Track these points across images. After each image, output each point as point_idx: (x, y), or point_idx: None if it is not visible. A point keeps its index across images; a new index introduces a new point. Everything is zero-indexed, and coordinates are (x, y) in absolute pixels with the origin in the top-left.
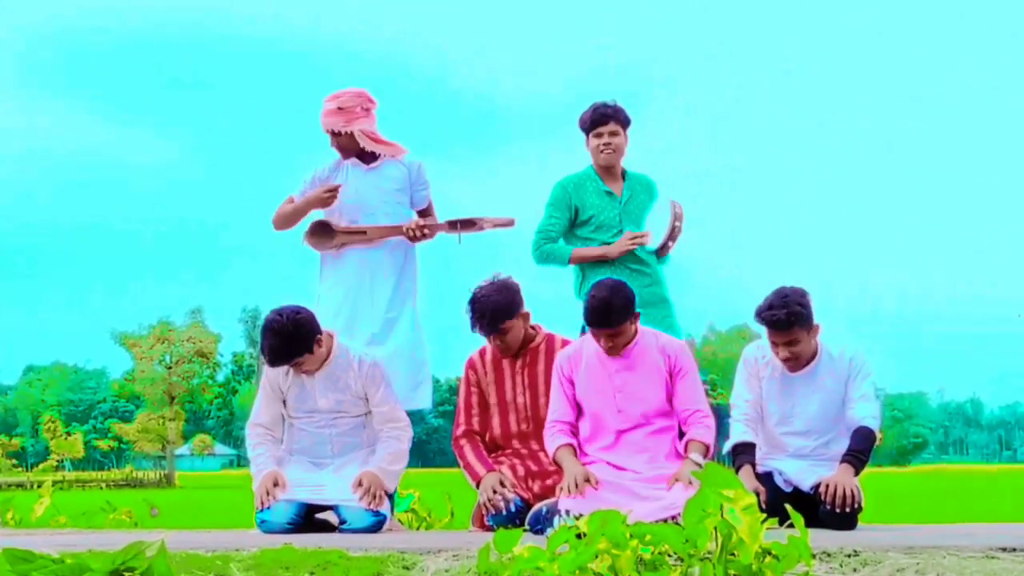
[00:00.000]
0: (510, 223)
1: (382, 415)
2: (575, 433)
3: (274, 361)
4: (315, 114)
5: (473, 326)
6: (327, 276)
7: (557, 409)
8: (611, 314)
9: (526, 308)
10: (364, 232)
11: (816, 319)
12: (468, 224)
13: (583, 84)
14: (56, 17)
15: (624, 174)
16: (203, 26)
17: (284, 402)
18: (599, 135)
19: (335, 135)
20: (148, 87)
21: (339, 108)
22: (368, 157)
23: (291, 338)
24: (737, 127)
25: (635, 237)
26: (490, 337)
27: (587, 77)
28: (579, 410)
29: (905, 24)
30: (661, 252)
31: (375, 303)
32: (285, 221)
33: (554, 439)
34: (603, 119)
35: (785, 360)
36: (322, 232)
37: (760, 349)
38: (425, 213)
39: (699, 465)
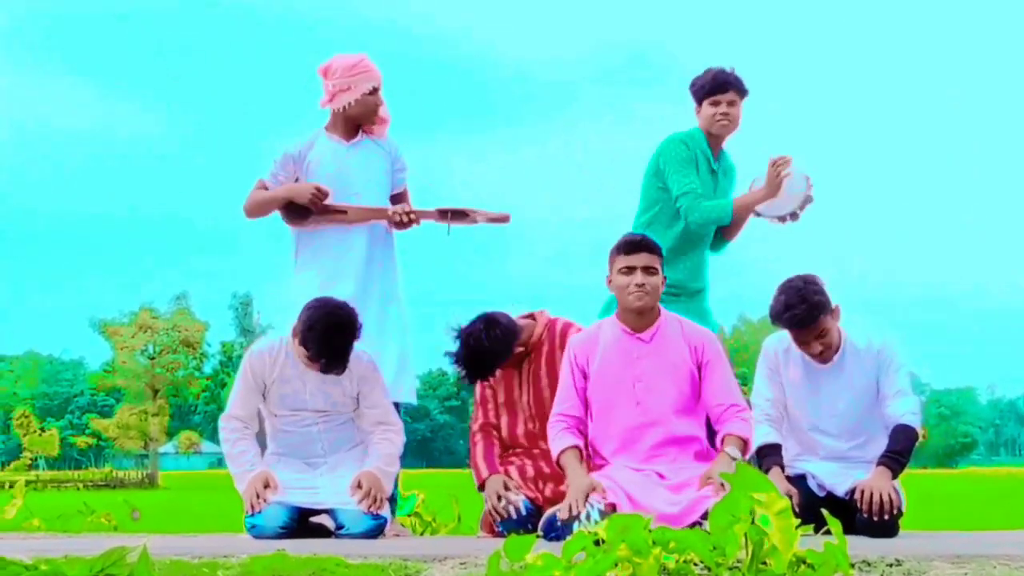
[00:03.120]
0: (505, 219)
1: (374, 416)
2: (582, 430)
3: (339, 365)
4: (308, 86)
5: (463, 377)
6: (303, 263)
7: (564, 401)
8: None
9: (530, 323)
10: (344, 212)
11: (841, 304)
12: (460, 215)
13: (595, 58)
14: None
15: (720, 152)
16: None
17: (263, 395)
18: (716, 103)
19: (371, 92)
20: (132, 59)
21: (371, 63)
22: (352, 133)
23: (353, 335)
24: (768, 105)
25: (782, 163)
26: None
27: (599, 49)
28: (588, 406)
29: (916, 11)
30: (790, 219)
31: (355, 288)
32: (258, 209)
33: (560, 438)
34: (723, 87)
35: (819, 353)
36: (298, 208)
37: (781, 342)
38: (401, 198)
39: (735, 457)
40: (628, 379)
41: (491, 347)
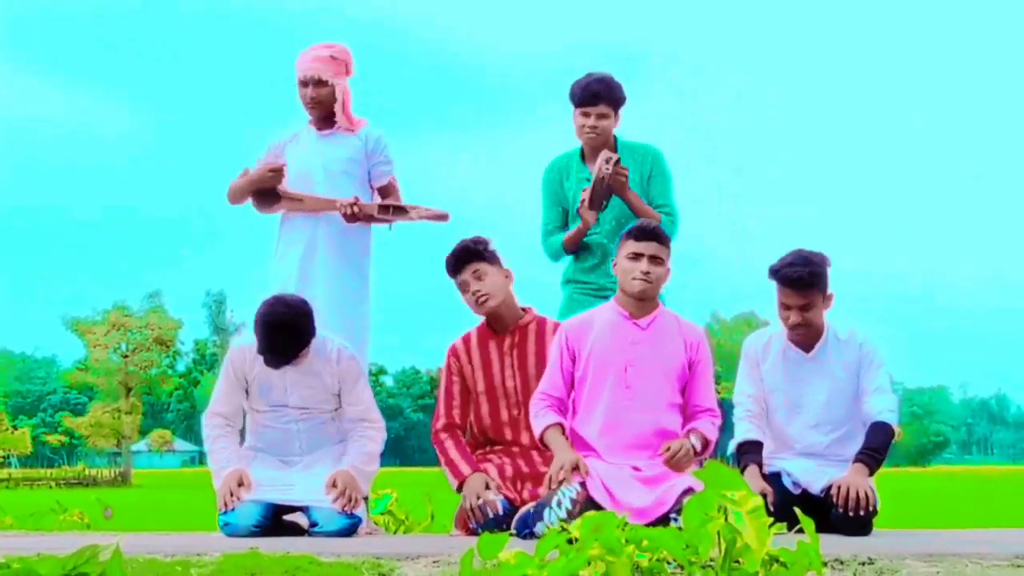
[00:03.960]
0: (444, 217)
1: (356, 413)
2: (564, 412)
3: (282, 360)
4: (289, 83)
5: (448, 267)
6: (277, 252)
7: (549, 381)
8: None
9: (511, 271)
10: (301, 200)
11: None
12: (399, 211)
13: (583, 50)
14: None
15: (616, 147)
16: None
17: (246, 392)
18: (586, 115)
19: (317, 84)
20: (105, 55)
21: (332, 57)
22: (324, 124)
23: (302, 331)
24: (743, 107)
25: (608, 159)
26: (464, 286)
27: (588, 44)
28: (573, 390)
29: (904, 9)
30: (590, 206)
31: (312, 272)
32: (233, 197)
33: (543, 416)
34: (592, 99)
35: (795, 327)
36: (265, 193)
37: (760, 338)
38: (385, 191)
39: (695, 448)
40: (621, 362)
41: (469, 241)
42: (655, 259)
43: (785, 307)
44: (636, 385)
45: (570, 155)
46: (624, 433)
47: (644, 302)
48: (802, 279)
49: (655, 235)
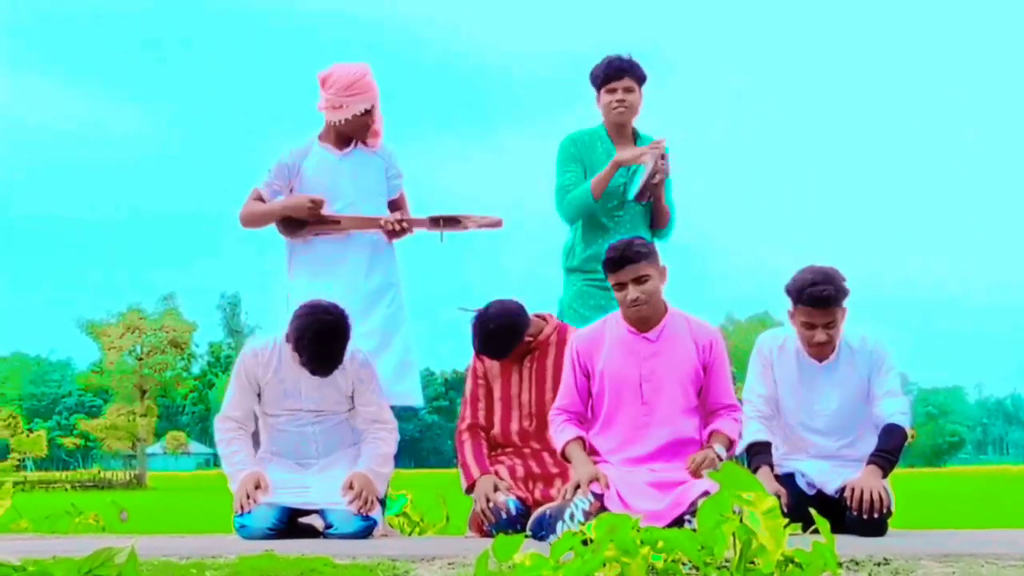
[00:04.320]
0: (498, 223)
1: (368, 415)
2: (583, 423)
3: (329, 368)
4: (302, 85)
5: (480, 349)
6: (297, 270)
7: (565, 397)
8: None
9: (530, 314)
10: (338, 222)
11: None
12: (452, 222)
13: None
14: None
15: (636, 136)
16: None
17: (259, 395)
18: (612, 91)
19: (364, 113)
20: (119, 58)
21: (370, 81)
22: (342, 142)
23: (344, 338)
24: (757, 107)
25: (655, 145)
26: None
27: (595, 49)
28: (589, 403)
29: (906, 13)
30: (639, 198)
31: (352, 294)
32: (253, 221)
33: (563, 431)
34: (617, 73)
35: (820, 344)
36: (294, 220)
37: (775, 338)
38: (397, 204)
39: (719, 457)
40: (634, 378)
41: (504, 321)
42: (640, 279)
43: (810, 326)
44: (652, 399)
45: (592, 131)
46: (643, 446)
47: (648, 318)
48: (831, 298)
49: (628, 259)
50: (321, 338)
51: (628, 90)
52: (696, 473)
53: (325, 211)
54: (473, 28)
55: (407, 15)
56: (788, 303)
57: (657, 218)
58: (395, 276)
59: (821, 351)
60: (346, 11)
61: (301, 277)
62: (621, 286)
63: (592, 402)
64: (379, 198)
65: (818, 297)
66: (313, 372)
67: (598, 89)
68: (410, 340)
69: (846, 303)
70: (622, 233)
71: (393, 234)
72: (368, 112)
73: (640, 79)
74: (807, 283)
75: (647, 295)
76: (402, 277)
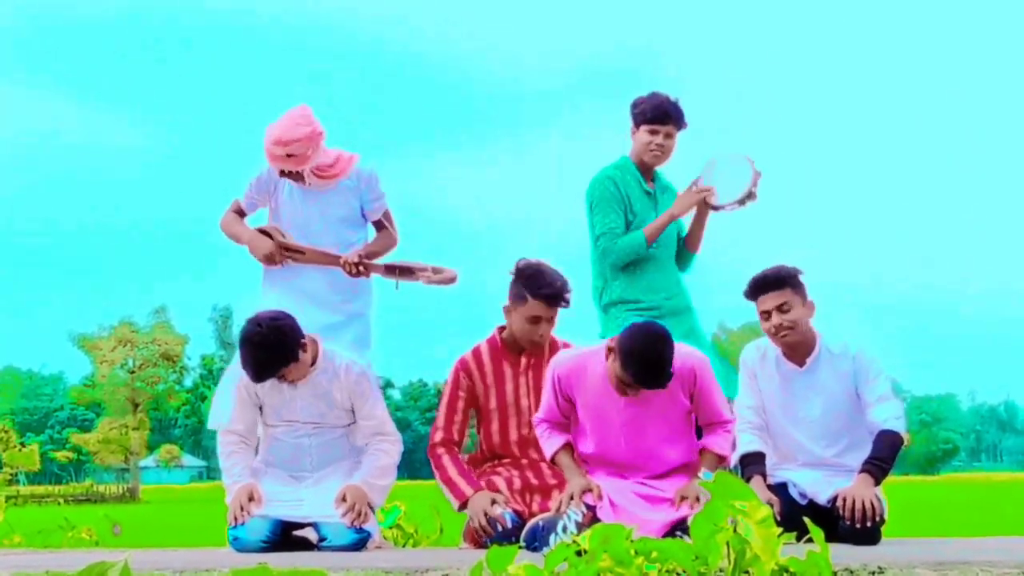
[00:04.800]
0: (452, 279)
1: (369, 428)
2: (567, 431)
3: (260, 376)
4: (297, 98)
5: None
6: (267, 289)
7: (548, 411)
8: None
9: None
10: (303, 252)
11: (822, 310)
12: (406, 272)
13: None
14: None
15: (654, 174)
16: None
17: (260, 408)
18: (654, 132)
19: (282, 174)
20: (111, 70)
21: (288, 155)
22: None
23: (275, 348)
24: (750, 115)
25: (702, 189)
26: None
27: (586, 60)
28: (574, 417)
29: (904, 14)
30: (749, 200)
31: (316, 318)
32: (228, 236)
33: (550, 439)
34: (664, 118)
35: (779, 330)
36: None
37: (757, 349)
38: (380, 224)
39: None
40: (616, 423)
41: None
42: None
43: (765, 314)
44: (635, 442)
45: (621, 165)
46: (630, 474)
47: None
48: (767, 278)
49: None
50: (248, 347)
51: (668, 136)
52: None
53: (291, 240)
54: (470, 43)
55: (402, 26)
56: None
57: (694, 243)
58: (363, 305)
59: (791, 342)
60: (345, 24)
61: (270, 295)
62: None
63: (576, 418)
64: (350, 227)
65: (761, 280)
66: (252, 379)
67: (638, 124)
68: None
69: (807, 297)
70: (659, 259)
71: (351, 274)
72: (283, 173)
73: (681, 127)
74: (755, 276)
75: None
76: (382, 281)
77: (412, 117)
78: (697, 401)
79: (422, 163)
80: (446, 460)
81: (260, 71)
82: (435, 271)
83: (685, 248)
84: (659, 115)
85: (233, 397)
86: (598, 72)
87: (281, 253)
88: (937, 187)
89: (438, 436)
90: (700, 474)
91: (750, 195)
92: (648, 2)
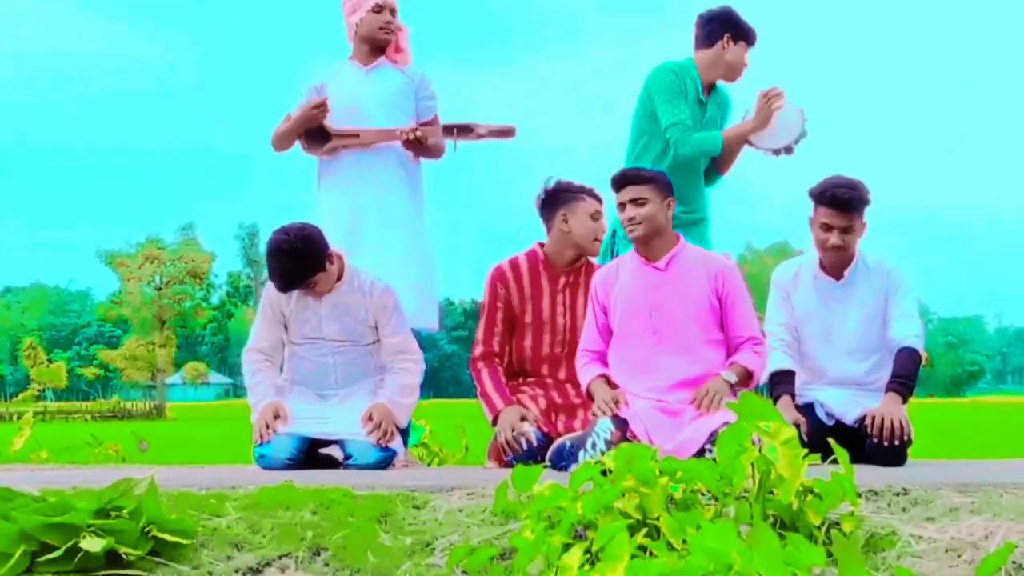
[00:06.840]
0: (510, 132)
1: (392, 346)
2: (605, 363)
3: (288, 285)
4: (329, 16)
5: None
6: (324, 185)
7: (587, 337)
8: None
9: None
10: (357, 135)
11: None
12: (464, 130)
13: None
14: None
15: (713, 85)
16: None
17: (285, 327)
18: (744, 50)
19: (376, 10)
20: None
21: (389, 22)
22: (370, 58)
23: (303, 257)
24: (775, 31)
25: (774, 96)
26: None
27: None
28: (610, 338)
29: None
30: (784, 152)
31: (377, 213)
32: (280, 142)
33: (586, 371)
34: (754, 38)
35: (834, 248)
36: (315, 134)
37: (790, 267)
38: (429, 126)
39: (729, 384)
40: (645, 308)
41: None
42: (637, 201)
43: (827, 228)
44: (664, 330)
45: (684, 67)
46: (658, 378)
47: (656, 242)
48: (851, 201)
49: (628, 179)
50: (276, 255)
51: (746, 58)
52: (701, 407)
53: (347, 125)
54: None
55: None
56: (810, 209)
57: (726, 164)
58: (419, 197)
59: (836, 259)
60: None
61: (329, 191)
62: (622, 206)
63: (611, 338)
64: (404, 114)
65: (839, 197)
66: (279, 289)
67: (721, 35)
68: (431, 261)
69: (866, 217)
70: (696, 172)
71: (409, 144)
72: (381, 9)
73: (753, 44)
74: (831, 184)
75: (641, 217)
76: (427, 203)
77: (438, 33)
78: (726, 307)
79: (450, 78)
80: (484, 374)
81: None
82: (492, 126)
83: (715, 169)
84: (754, 35)
85: (258, 315)
86: None
87: (323, 114)
88: (970, 108)
89: (478, 350)
90: (722, 374)
91: (788, 149)
92: None
